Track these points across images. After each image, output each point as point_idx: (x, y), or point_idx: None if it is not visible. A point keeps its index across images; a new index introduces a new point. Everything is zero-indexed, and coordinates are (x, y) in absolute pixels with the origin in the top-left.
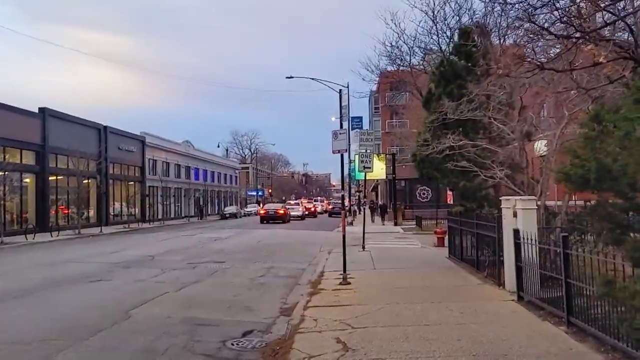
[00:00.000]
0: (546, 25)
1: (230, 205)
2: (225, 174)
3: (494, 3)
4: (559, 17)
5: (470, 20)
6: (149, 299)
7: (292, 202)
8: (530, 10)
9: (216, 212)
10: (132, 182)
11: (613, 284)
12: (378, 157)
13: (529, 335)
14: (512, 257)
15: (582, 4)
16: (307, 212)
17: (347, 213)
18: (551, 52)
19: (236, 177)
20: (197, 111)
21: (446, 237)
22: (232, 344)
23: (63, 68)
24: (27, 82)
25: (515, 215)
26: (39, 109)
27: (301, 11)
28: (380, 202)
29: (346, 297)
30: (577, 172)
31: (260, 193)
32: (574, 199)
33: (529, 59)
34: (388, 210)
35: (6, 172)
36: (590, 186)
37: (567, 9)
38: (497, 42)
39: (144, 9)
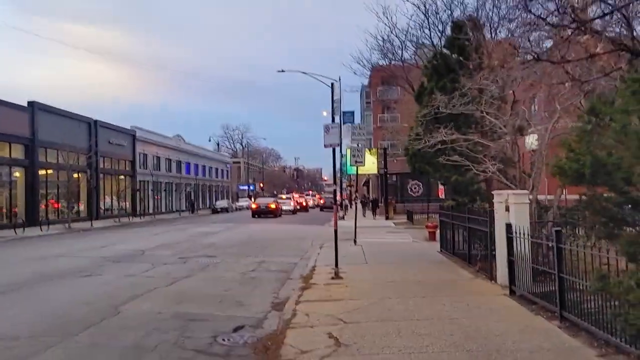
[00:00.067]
0: (542, 16)
1: (221, 199)
2: (217, 168)
3: None
4: (555, 8)
5: (462, 14)
6: (140, 294)
7: (283, 196)
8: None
9: (207, 206)
10: (123, 176)
11: (607, 279)
12: (370, 151)
13: (522, 330)
14: (505, 251)
15: None
16: (298, 207)
17: (339, 207)
18: (544, 45)
19: (227, 171)
20: (188, 105)
21: (438, 232)
22: (224, 340)
23: (52, 62)
24: (16, 76)
25: (507, 209)
26: (28, 102)
27: (293, 4)
28: (371, 197)
29: (338, 292)
30: (572, 166)
31: (251, 187)
32: (564, 193)
33: (523, 51)
34: (379, 204)
35: None
36: (585, 180)
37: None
38: (489, 36)
39: (134, 1)
